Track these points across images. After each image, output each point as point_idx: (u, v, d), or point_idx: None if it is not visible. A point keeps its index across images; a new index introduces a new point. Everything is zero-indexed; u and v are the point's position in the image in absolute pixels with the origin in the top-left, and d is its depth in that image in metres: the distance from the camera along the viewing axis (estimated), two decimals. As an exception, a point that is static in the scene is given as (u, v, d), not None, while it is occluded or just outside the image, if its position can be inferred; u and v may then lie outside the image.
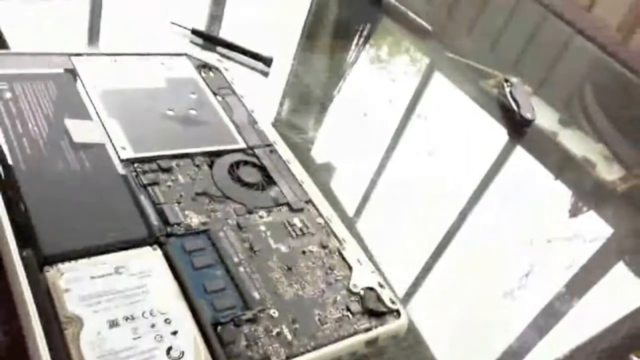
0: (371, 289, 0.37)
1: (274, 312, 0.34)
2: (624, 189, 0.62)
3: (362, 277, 0.38)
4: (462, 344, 0.42)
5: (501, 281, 0.48)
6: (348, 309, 0.35)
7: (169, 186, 0.40)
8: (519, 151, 0.63)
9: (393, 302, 0.36)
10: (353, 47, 0.72)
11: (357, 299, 0.36)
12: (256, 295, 0.34)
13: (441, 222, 0.51)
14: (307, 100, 0.60)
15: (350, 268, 0.38)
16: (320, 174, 0.51)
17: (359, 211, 0.50)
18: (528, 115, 0.62)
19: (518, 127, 0.63)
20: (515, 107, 0.64)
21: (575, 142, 0.66)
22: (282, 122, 0.56)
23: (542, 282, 0.49)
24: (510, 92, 0.65)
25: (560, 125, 0.67)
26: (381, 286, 0.37)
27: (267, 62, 0.59)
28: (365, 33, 0.76)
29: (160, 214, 0.37)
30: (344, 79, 0.66)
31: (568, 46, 0.90)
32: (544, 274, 0.49)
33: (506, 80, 0.68)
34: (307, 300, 0.35)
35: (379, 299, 0.36)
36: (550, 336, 0.45)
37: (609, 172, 0.63)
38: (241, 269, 0.36)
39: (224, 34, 0.62)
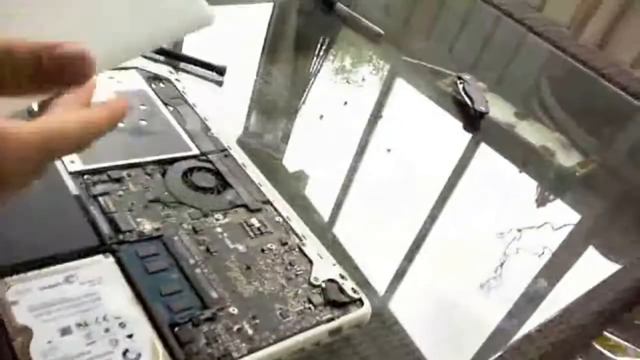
0: (332, 280, 0.36)
1: (233, 310, 0.33)
2: (583, 173, 0.63)
3: (323, 270, 0.37)
4: (439, 333, 0.42)
5: (476, 273, 0.47)
6: (310, 301, 0.35)
7: (120, 195, 0.39)
8: (479, 145, 0.64)
9: (355, 292, 0.36)
10: (308, 54, 0.73)
11: (318, 291, 0.36)
12: (214, 294, 0.34)
13: (412, 218, 0.51)
14: (263, 106, 0.60)
15: (310, 262, 0.38)
16: (282, 176, 0.51)
17: (324, 209, 0.50)
18: (482, 109, 0.63)
19: (473, 120, 0.64)
20: (469, 102, 0.65)
21: (533, 133, 0.67)
22: (238, 128, 0.55)
23: (515, 271, 0.49)
24: (464, 88, 0.66)
25: (516, 118, 0.68)
26: (343, 277, 0.37)
27: (221, 71, 0.59)
28: (320, 40, 0.76)
29: (111, 222, 0.36)
30: (300, 85, 0.66)
31: (520, 44, 0.92)
32: (517, 263, 0.49)
33: (459, 78, 0.69)
34: (267, 295, 0.34)
35: (341, 289, 0.36)
36: (527, 322, 0.44)
37: (568, 159, 0.64)
38: (198, 270, 0.35)
39: (185, 48, 0.62)
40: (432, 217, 0.52)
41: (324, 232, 0.45)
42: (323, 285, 0.36)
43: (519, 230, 0.53)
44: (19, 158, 0.21)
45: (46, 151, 0.22)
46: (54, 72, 0.20)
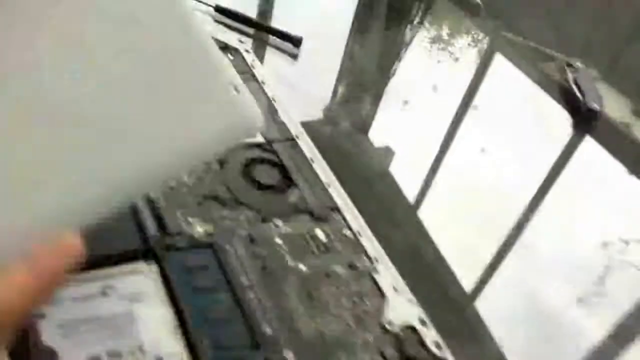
0: (411, 328, 0.30)
1: (287, 353, 0.28)
2: None
3: (399, 310, 0.31)
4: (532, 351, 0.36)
5: (574, 286, 0.42)
6: (382, 355, 0.29)
7: (172, 187, 0.34)
8: (587, 144, 0.55)
9: (438, 347, 0.30)
10: (399, 29, 0.64)
11: (392, 341, 0.29)
12: (268, 330, 0.28)
13: (505, 220, 0.45)
14: (343, 86, 0.53)
15: (383, 296, 0.32)
16: (356, 174, 0.44)
17: (404, 217, 0.43)
18: (595, 106, 0.54)
19: (585, 118, 0.55)
20: (579, 96, 0.55)
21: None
22: (311, 111, 0.49)
23: (618, 288, 0.42)
24: (575, 79, 0.57)
25: (634, 116, 0.58)
26: (423, 323, 0.31)
27: (296, 42, 0.52)
28: (413, 12, 0.67)
29: (159, 221, 0.31)
30: (387, 65, 0.58)
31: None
32: (620, 279, 0.43)
33: (569, 65, 0.59)
34: (330, 339, 0.29)
35: (421, 342, 0.30)
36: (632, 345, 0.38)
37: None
38: (251, 295, 0.30)
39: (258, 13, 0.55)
40: (528, 220, 0.45)
41: (400, 246, 0.39)
42: (400, 334, 0.30)
43: (627, 243, 0.45)
44: None
45: None
46: None
